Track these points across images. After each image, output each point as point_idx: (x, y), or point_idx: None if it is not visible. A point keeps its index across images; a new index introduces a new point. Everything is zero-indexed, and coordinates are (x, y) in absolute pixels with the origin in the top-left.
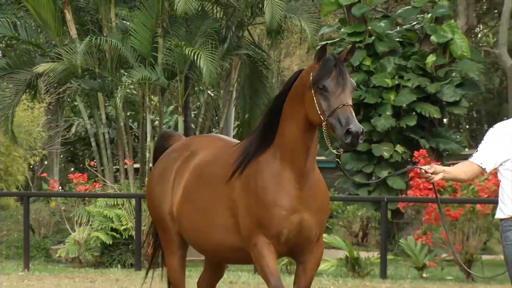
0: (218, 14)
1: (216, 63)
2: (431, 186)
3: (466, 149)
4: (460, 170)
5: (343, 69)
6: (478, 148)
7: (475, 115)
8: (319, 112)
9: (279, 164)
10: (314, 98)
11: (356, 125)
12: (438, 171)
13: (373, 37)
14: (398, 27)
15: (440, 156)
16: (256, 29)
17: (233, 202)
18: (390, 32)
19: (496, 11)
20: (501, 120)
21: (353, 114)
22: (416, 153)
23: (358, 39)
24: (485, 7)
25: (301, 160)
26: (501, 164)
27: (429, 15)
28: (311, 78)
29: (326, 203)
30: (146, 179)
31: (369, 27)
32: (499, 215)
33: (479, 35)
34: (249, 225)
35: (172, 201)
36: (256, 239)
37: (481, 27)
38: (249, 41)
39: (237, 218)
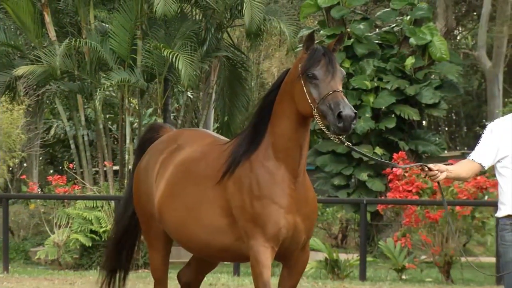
0: (197, 16)
1: (195, 65)
2: (410, 188)
3: (445, 151)
4: (461, 168)
5: (332, 58)
6: (477, 146)
7: (454, 117)
8: (309, 101)
9: (273, 162)
10: (304, 87)
11: (348, 109)
12: (442, 170)
13: (352, 39)
14: (377, 29)
15: (419, 158)
16: (235, 31)
17: (226, 202)
18: (369, 34)
19: (475, 13)
20: (480, 122)
21: (345, 99)
22: (395, 155)
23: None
24: (464, 9)
25: (295, 159)
26: (498, 161)
27: (408, 17)
28: (300, 68)
29: (316, 210)
30: (125, 181)
31: (348, 29)
32: (497, 213)
33: (458, 38)
34: (244, 225)
35: (155, 193)
36: (253, 240)
37: (460, 29)
38: (228, 43)
39: (230, 219)
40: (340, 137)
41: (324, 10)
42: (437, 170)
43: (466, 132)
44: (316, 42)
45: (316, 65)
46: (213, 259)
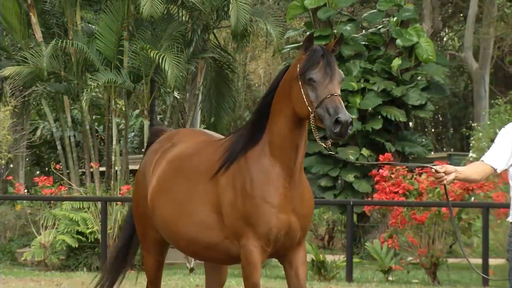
0: (183, 18)
1: (182, 66)
2: (396, 190)
3: (432, 153)
4: (472, 170)
5: (331, 60)
6: (490, 148)
7: (440, 119)
8: (306, 104)
9: (269, 160)
10: (302, 89)
11: (345, 114)
12: (450, 171)
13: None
14: (363, 31)
15: (406, 160)
16: (221, 33)
17: (216, 197)
18: (355, 35)
19: (461, 15)
20: (467, 123)
21: (342, 104)
22: (381, 157)
23: (323, 43)
24: (450, 11)
25: (291, 158)
26: (511, 165)
27: (395, 18)
28: (298, 69)
29: (312, 209)
30: (112, 182)
31: (335, 31)
32: (509, 218)
33: (445, 39)
34: (235, 223)
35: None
36: (245, 240)
37: (447, 30)
38: (214, 45)
39: (219, 215)
40: (327, 144)
41: (311, 12)
42: (444, 172)
43: (452, 134)
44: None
45: (315, 67)
46: (200, 258)
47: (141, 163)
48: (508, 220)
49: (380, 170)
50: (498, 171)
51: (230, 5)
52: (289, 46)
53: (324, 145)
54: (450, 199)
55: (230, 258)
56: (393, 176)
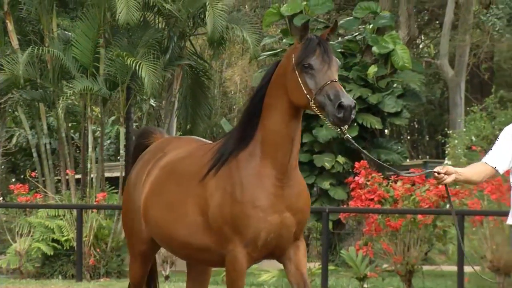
0: (160, 25)
1: (158, 74)
2: (372, 197)
3: (407, 160)
4: (472, 171)
5: (327, 47)
6: (491, 149)
7: (416, 126)
8: (305, 92)
9: (259, 161)
10: (299, 78)
11: (347, 99)
12: (451, 172)
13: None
14: (339, 38)
15: (381, 167)
16: (198, 40)
17: (204, 200)
18: (331, 42)
19: (437, 22)
20: (442, 130)
21: (343, 89)
22: (357, 164)
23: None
24: (426, 18)
25: (285, 154)
26: None
27: (371, 25)
28: (293, 59)
29: (308, 203)
30: (87, 189)
31: None
32: (509, 221)
33: (421, 46)
34: (222, 226)
35: (140, 205)
36: (231, 245)
37: (423, 38)
38: (191, 52)
39: (205, 217)
40: (342, 128)
41: (287, 19)
42: (444, 173)
43: (428, 141)
44: (278, 50)
45: (312, 55)
46: (194, 261)
47: (131, 172)
48: (508, 223)
49: (356, 177)
50: (500, 171)
51: (207, 12)
52: (265, 53)
53: (340, 130)
54: (425, 206)
55: (224, 260)
56: (368, 183)
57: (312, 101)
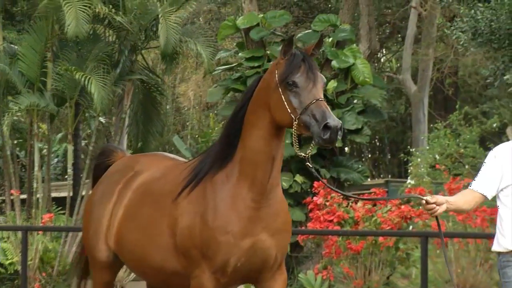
0: (110, 38)
1: (108, 89)
2: (331, 218)
3: (368, 179)
4: (463, 199)
5: (312, 64)
6: (479, 174)
7: (378, 144)
8: (289, 111)
9: (236, 182)
10: (283, 96)
11: (334, 120)
12: (441, 202)
13: (272, 62)
14: None
15: (342, 186)
16: (150, 53)
17: (174, 220)
18: None
19: (399, 35)
20: (405, 148)
21: (329, 108)
22: (316, 184)
23: (256, 64)
24: (388, 31)
25: (265, 173)
26: (501, 190)
27: (330, 39)
28: (277, 75)
29: (289, 223)
30: (33, 210)
31: (268, 52)
32: (495, 247)
33: (382, 60)
34: (190, 250)
35: (110, 225)
36: (198, 270)
37: (384, 51)
38: (143, 66)
39: (175, 239)
40: (306, 155)
41: (243, 32)
42: (434, 202)
43: (390, 159)
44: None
45: (296, 71)
46: (169, 287)
47: (94, 190)
48: (493, 250)
49: (314, 198)
50: (489, 197)
51: (159, 24)
52: (220, 67)
53: (303, 155)
54: (387, 228)
55: None
56: (327, 203)
57: (296, 120)
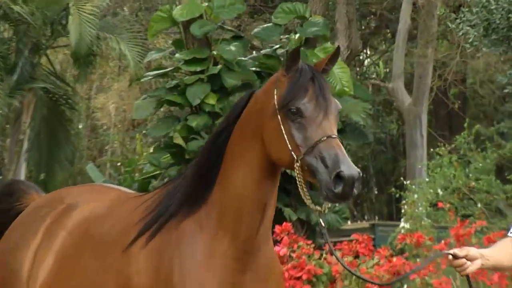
0: (6, 33)
1: (1, 101)
2: (299, 274)
3: (349, 222)
4: (503, 252)
5: (324, 85)
6: None
7: (360, 175)
8: (290, 148)
9: (213, 233)
10: (283, 127)
11: (350, 167)
12: (473, 256)
13: (219, 66)
14: (254, 52)
15: (312, 232)
16: (58, 54)
17: (126, 279)
18: (243, 58)
19: (388, 30)
20: (397, 181)
21: (343, 150)
22: (277, 228)
23: (199, 68)
24: (373, 25)
25: (252, 226)
26: None
27: (297, 35)
28: (276, 97)
29: (281, 285)
30: None
31: (214, 52)
32: None
33: (366, 63)
34: None
35: (30, 276)
36: None
37: (369, 52)
38: (48, 71)
39: None
40: (322, 209)
41: (182, 26)
42: (464, 256)
43: (377, 196)
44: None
45: (302, 95)
46: None
47: (6, 235)
48: None
49: (276, 247)
50: None
51: (70, 16)
52: (151, 72)
53: (318, 209)
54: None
55: None
56: (294, 255)
57: (299, 162)
